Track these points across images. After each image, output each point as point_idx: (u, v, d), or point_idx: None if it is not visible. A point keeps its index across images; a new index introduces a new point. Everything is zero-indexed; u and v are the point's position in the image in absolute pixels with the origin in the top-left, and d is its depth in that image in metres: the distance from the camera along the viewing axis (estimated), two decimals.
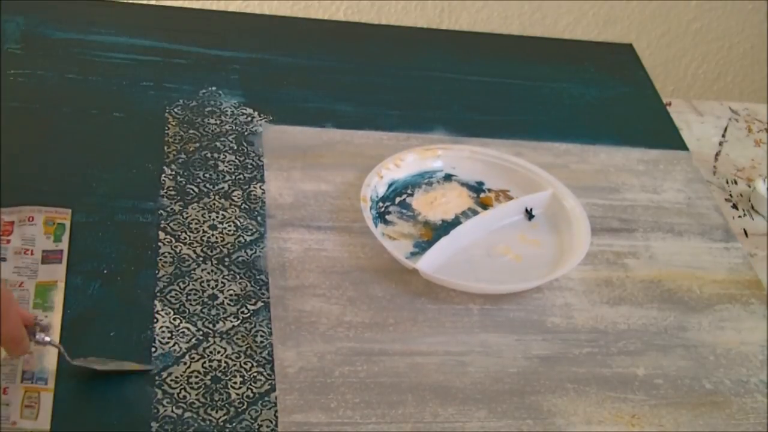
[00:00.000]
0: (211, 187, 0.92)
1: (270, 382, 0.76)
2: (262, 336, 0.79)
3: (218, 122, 1.00)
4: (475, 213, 0.95)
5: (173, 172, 0.93)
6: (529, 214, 0.96)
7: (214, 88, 1.04)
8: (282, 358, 0.78)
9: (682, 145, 1.11)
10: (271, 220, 0.90)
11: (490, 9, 1.98)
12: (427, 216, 0.94)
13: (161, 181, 0.92)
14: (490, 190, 0.99)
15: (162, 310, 0.80)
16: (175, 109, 1.00)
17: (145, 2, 1.15)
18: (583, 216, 0.94)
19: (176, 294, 0.81)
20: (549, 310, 0.87)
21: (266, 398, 0.75)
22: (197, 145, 0.97)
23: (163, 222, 0.87)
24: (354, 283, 0.86)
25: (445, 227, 0.93)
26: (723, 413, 0.81)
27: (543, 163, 1.01)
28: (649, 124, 1.13)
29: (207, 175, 0.93)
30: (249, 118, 1.01)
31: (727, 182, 1.08)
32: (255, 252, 0.86)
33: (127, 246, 0.84)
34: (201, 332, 0.79)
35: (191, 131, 0.98)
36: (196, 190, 0.92)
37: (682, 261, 0.95)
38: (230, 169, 0.95)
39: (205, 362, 0.76)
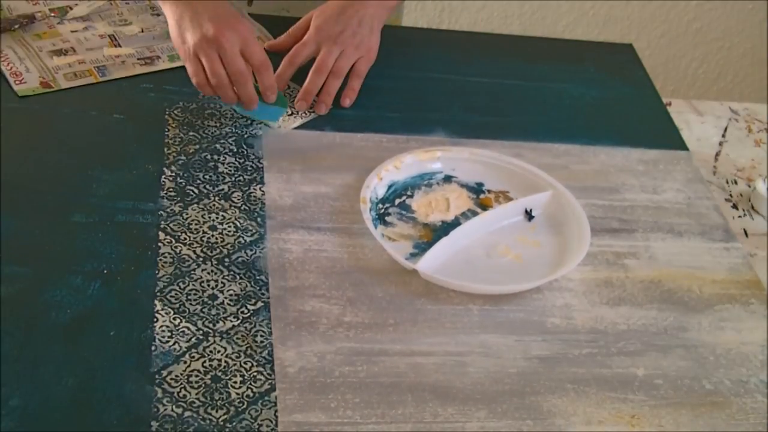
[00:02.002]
0: (211, 188, 0.92)
1: (270, 381, 0.76)
2: (262, 336, 0.80)
3: (218, 125, 1.00)
4: (475, 214, 0.95)
5: (173, 174, 0.93)
6: (529, 215, 0.96)
7: None
8: (282, 357, 0.78)
9: (682, 145, 1.11)
10: (271, 221, 0.90)
11: (490, 9, 1.99)
12: (426, 217, 0.94)
13: (161, 182, 0.92)
14: (489, 191, 0.99)
15: (162, 309, 0.80)
16: (175, 112, 1.01)
17: None
18: (583, 216, 0.94)
19: (176, 294, 0.81)
20: (549, 310, 0.88)
21: (266, 398, 0.75)
22: (197, 147, 0.97)
23: (163, 223, 0.87)
24: (354, 284, 0.86)
25: (445, 228, 0.93)
26: (723, 413, 0.81)
27: (543, 164, 1.01)
28: (649, 124, 1.13)
29: (207, 177, 0.93)
30: (248, 121, 1.01)
31: (727, 182, 1.08)
32: (255, 253, 0.87)
33: (127, 246, 0.84)
34: (201, 332, 0.79)
35: (191, 133, 0.98)
36: (196, 191, 0.92)
37: (682, 261, 0.95)
38: (230, 170, 0.95)
39: (205, 361, 0.77)
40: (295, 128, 1.01)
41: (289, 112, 1.02)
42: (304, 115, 1.03)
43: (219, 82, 0.94)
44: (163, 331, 0.78)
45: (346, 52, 1.03)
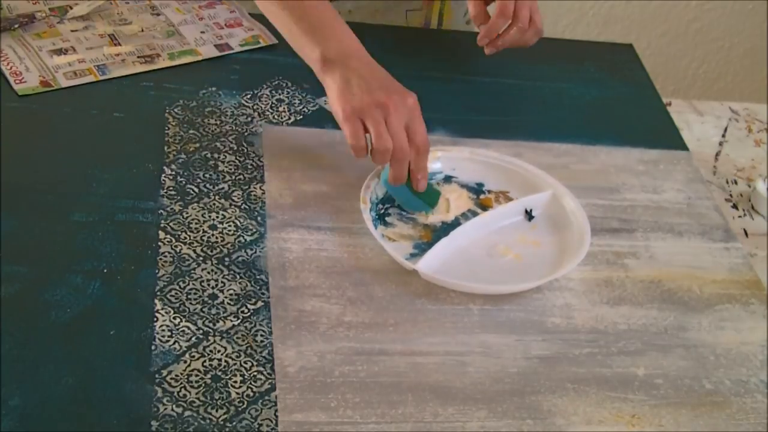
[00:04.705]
0: (211, 187, 0.92)
1: (270, 381, 0.76)
2: (262, 335, 0.79)
3: (218, 122, 1.00)
4: (475, 214, 0.95)
5: (173, 172, 0.93)
6: (529, 215, 0.96)
7: (214, 89, 1.04)
8: (282, 357, 0.78)
9: (682, 145, 1.11)
10: (271, 220, 0.90)
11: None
12: (426, 218, 0.94)
13: (161, 181, 0.92)
14: (490, 192, 0.99)
15: (162, 309, 0.80)
16: (175, 110, 1.00)
17: None
18: (583, 216, 0.94)
19: (176, 293, 0.81)
20: (549, 310, 0.87)
21: (266, 397, 0.75)
22: (197, 145, 0.97)
23: (163, 222, 0.87)
24: (354, 284, 0.86)
25: (445, 229, 0.93)
26: (723, 413, 0.81)
27: (543, 163, 1.01)
28: (649, 124, 1.13)
29: (207, 176, 0.93)
30: (249, 119, 1.01)
31: (727, 182, 1.08)
32: (255, 252, 0.86)
33: (127, 245, 0.84)
34: (201, 331, 0.79)
35: (191, 131, 0.98)
36: (196, 190, 0.92)
37: (682, 261, 0.95)
38: (230, 169, 0.95)
39: (205, 361, 0.76)
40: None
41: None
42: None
43: (382, 148, 0.89)
44: (163, 330, 0.78)
45: (532, 7, 1.07)
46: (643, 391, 0.82)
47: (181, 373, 0.75)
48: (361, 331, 0.82)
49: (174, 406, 0.73)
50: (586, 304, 0.89)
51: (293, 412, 0.74)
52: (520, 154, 1.02)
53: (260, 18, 1.13)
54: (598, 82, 1.18)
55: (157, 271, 0.83)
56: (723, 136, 1.15)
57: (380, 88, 0.90)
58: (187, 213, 0.89)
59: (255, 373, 0.76)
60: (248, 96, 1.04)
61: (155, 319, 0.79)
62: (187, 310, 0.80)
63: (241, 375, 0.76)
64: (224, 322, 0.80)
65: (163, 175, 0.92)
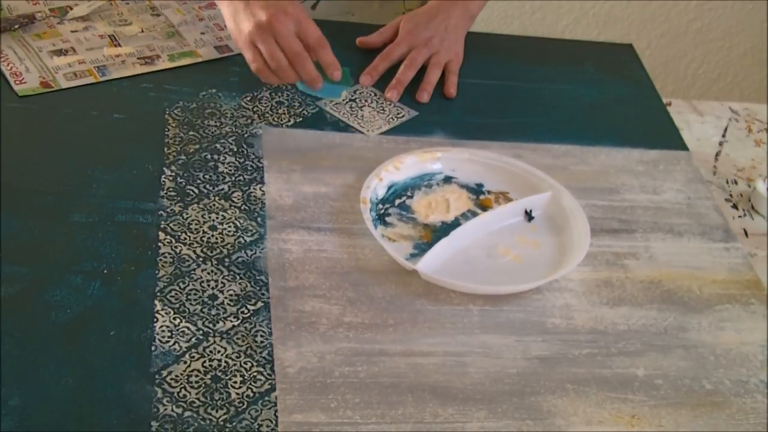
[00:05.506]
0: (211, 188, 0.92)
1: (270, 381, 0.76)
2: (262, 336, 0.80)
3: (218, 124, 1.00)
4: (475, 215, 0.95)
5: (173, 174, 0.93)
6: (529, 216, 0.96)
7: (213, 90, 1.04)
8: (282, 358, 0.78)
9: (682, 145, 1.11)
10: (271, 221, 0.90)
11: (490, 9, 1.99)
12: (426, 218, 0.94)
13: (161, 182, 0.92)
14: (489, 192, 0.99)
15: (162, 309, 0.80)
16: (175, 111, 1.01)
17: None
18: (582, 217, 0.94)
19: (176, 294, 0.81)
20: (549, 310, 0.88)
21: (266, 398, 0.75)
22: (197, 146, 0.97)
23: (163, 222, 0.87)
24: (354, 284, 0.86)
25: (445, 229, 0.93)
26: (723, 413, 0.81)
27: (542, 164, 1.01)
28: (649, 124, 1.14)
29: (207, 177, 0.93)
30: (248, 120, 1.01)
31: (727, 182, 1.08)
32: (255, 253, 0.87)
33: (127, 246, 0.84)
34: (201, 332, 0.79)
35: (191, 133, 0.98)
36: (196, 191, 0.92)
37: (682, 261, 0.95)
38: (230, 170, 0.95)
39: (205, 361, 0.77)
40: (382, 133, 1.03)
41: (349, 95, 1.05)
42: (391, 119, 1.03)
43: (278, 65, 0.97)
44: (163, 331, 0.78)
45: (439, 52, 1.10)
46: (643, 392, 0.82)
47: (181, 374, 0.75)
48: (361, 332, 0.82)
49: (174, 406, 0.73)
50: (585, 305, 0.89)
51: (293, 413, 0.74)
52: (520, 156, 1.02)
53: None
54: (598, 83, 1.18)
55: (157, 271, 0.83)
56: (723, 136, 1.15)
57: (262, 8, 0.97)
58: (187, 214, 0.89)
59: (255, 374, 0.76)
60: (248, 98, 1.04)
61: (155, 319, 0.79)
62: (187, 310, 0.80)
63: (241, 375, 0.76)
64: (224, 323, 0.80)
65: (163, 176, 0.92)
